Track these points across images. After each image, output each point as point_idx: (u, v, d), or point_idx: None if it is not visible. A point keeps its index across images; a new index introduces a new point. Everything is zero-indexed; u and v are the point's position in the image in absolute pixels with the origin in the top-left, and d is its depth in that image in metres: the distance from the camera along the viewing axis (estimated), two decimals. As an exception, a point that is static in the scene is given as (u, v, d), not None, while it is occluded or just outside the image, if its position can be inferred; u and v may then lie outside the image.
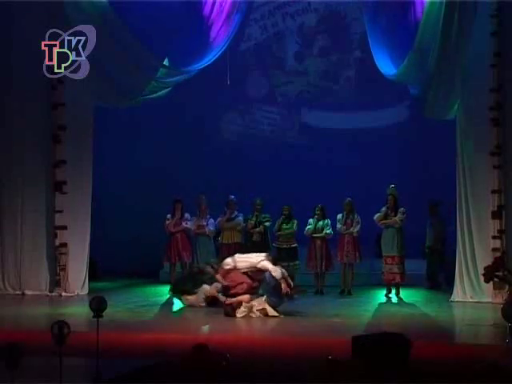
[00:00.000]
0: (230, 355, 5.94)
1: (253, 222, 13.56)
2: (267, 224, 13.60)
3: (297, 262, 13.52)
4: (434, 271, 14.28)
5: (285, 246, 13.50)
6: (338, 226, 13.42)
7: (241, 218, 13.64)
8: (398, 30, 13.10)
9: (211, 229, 13.65)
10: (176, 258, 13.75)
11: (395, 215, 13.11)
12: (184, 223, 13.72)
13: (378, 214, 13.14)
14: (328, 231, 13.49)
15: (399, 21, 13.18)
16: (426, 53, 11.97)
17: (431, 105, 12.57)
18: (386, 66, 13.29)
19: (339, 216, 13.46)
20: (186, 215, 13.75)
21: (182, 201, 13.77)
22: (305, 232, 13.53)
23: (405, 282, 13.19)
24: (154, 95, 13.81)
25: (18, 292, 13.24)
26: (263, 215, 13.66)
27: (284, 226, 13.54)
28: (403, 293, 13.29)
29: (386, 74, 13.31)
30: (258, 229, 13.56)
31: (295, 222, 13.57)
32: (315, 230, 13.50)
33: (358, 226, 13.36)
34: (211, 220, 13.68)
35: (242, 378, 5.82)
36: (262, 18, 16.97)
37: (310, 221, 13.53)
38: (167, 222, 13.75)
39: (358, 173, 15.57)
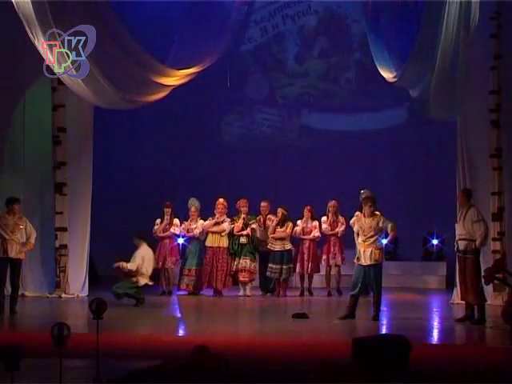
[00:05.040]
0: (229, 356, 5.94)
1: (240, 225, 13.47)
2: (254, 226, 13.53)
3: (290, 266, 13.46)
4: None
5: (278, 249, 13.44)
6: (324, 226, 13.39)
7: (227, 224, 13.45)
8: (398, 32, 13.12)
9: (197, 232, 13.47)
10: (161, 264, 13.61)
11: None
12: (172, 228, 13.62)
13: (354, 218, 12.97)
14: (317, 234, 13.49)
15: (399, 23, 13.19)
16: (426, 55, 11.97)
17: (431, 107, 12.56)
18: (386, 69, 13.30)
19: (324, 218, 13.45)
20: (176, 221, 13.62)
21: (172, 205, 13.70)
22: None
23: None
24: (154, 99, 13.80)
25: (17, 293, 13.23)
26: (250, 217, 13.59)
27: (278, 229, 13.47)
28: (403, 294, 13.29)
29: (386, 77, 13.32)
30: (245, 231, 13.49)
31: (290, 224, 13.49)
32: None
33: (343, 227, 13.32)
34: (200, 222, 13.54)
35: (242, 378, 5.82)
36: (263, 19, 16.99)
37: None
38: (155, 227, 13.70)
39: (358, 174, 15.57)
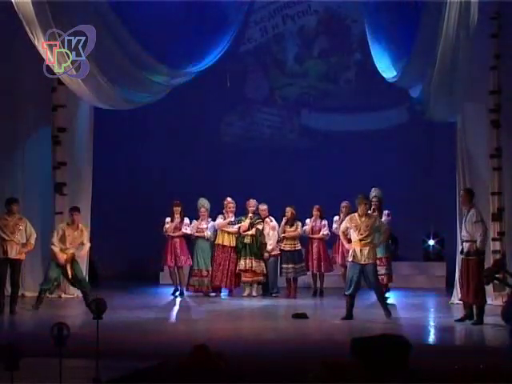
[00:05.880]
0: (229, 356, 5.93)
1: (246, 225, 13.45)
2: (260, 227, 13.51)
3: (302, 265, 13.48)
4: None
5: (289, 249, 13.42)
6: (334, 226, 13.41)
7: (237, 226, 13.43)
8: (398, 32, 13.11)
9: (209, 233, 13.50)
10: (173, 262, 13.66)
11: (380, 217, 13.00)
12: (184, 228, 13.64)
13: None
14: (326, 232, 13.48)
15: (399, 23, 13.19)
16: (426, 55, 11.97)
17: (431, 107, 12.56)
18: (386, 69, 13.30)
19: (336, 218, 13.47)
20: (186, 220, 13.64)
21: (181, 204, 13.70)
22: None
23: (392, 282, 13.10)
24: (154, 99, 13.80)
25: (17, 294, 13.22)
26: (256, 217, 13.56)
27: (288, 229, 13.48)
28: (403, 294, 13.28)
29: (387, 77, 13.32)
30: (250, 232, 13.46)
31: (299, 224, 13.50)
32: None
33: None
34: (211, 223, 13.56)
35: (242, 378, 5.82)
36: (263, 19, 16.97)
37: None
38: (166, 225, 13.68)
39: (358, 174, 15.57)
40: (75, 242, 11.89)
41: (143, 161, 16.46)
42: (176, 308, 12.70)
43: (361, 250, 10.72)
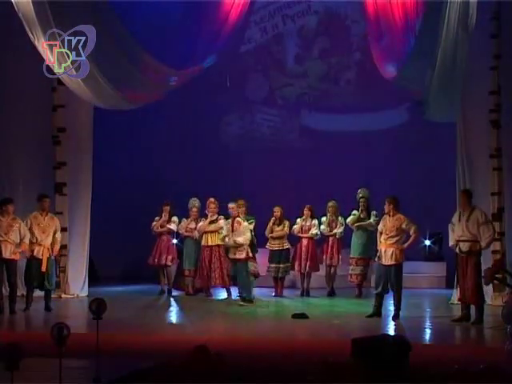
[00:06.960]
0: (229, 356, 5.94)
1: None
2: (251, 226, 13.39)
3: (288, 264, 13.49)
4: None
5: (277, 248, 13.42)
6: (322, 227, 13.43)
7: (223, 221, 13.23)
8: (398, 31, 13.11)
9: (197, 234, 13.41)
10: (156, 261, 13.68)
11: (368, 218, 13.06)
12: (169, 224, 13.65)
13: (352, 217, 13.11)
14: (315, 232, 13.48)
15: (399, 23, 13.18)
16: (426, 55, 11.96)
17: (431, 107, 12.56)
18: (386, 69, 13.30)
19: (323, 218, 13.49)
20: (174, 218, 13.67)
21: (171, 203, 13.71)
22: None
23: (365, 281, 13.35)
24: (154, 98, 13.79)
25: (17, 294, 13.20)
26: (247, 217, 13.49)
27: (276, 228, 13.45)
28: (403, 294, 13.28)
29: (387, 77, 13.32)
30: None
31: (287, 223, 13.49)
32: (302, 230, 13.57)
33: (342, 228, 13.38)
34: (200, 224, 13.48)
35: (242, 378, 5.82)
36: (262, 20, 16.97)
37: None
38: (153, 223, 13.72)
39: (358, 174, 15.57)
40: (48, 230, 11.79)
41: (143, 161, 16.45)
42: (175, 308, 12.69)
43: (385, 251, 10.76)
